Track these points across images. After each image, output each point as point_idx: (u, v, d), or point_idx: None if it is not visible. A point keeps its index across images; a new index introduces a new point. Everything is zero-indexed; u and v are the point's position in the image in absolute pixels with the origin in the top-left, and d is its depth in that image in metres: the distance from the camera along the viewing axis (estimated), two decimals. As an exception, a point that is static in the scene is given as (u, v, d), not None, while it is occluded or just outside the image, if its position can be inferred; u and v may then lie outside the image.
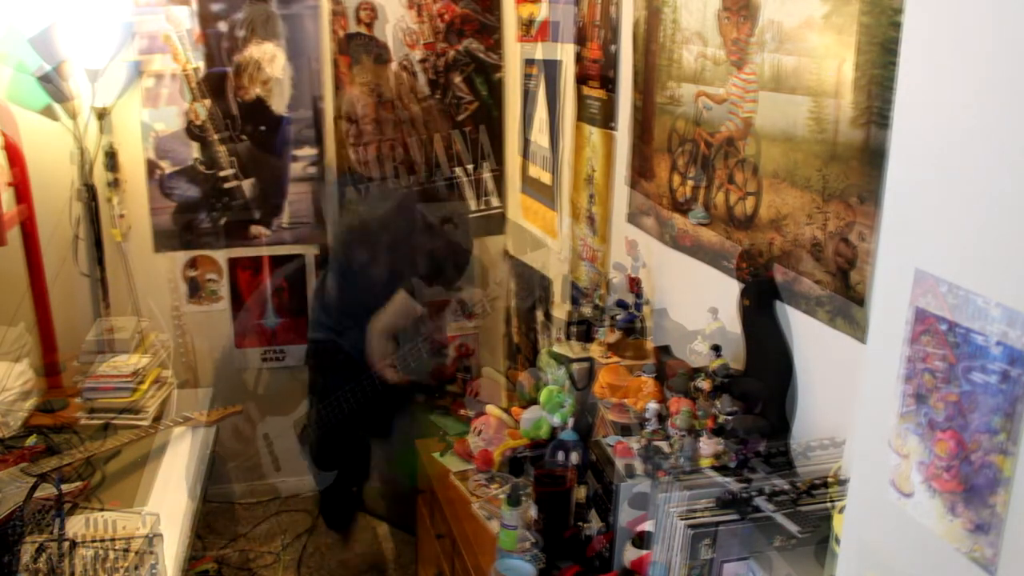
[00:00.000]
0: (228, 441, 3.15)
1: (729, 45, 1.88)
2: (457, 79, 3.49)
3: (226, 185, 3.34)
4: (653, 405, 1.85)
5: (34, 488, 1.83)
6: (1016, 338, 0.81)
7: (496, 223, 3.64)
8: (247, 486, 3.62)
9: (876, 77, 1.43)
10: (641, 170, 2.38)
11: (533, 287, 3.32)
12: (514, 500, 1.87)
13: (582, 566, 1.80)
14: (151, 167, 3.26)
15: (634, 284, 2.30)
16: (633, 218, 2.46)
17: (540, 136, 3.15)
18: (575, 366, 2.23)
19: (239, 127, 3.31)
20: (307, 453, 3.10)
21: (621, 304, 2.29)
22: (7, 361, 2.63)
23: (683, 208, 2.14)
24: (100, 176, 3.15)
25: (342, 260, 3.09)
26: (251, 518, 3.51)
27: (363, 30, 3.36)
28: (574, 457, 1.99)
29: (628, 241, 2.40)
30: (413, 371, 2.86)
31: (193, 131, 3.26)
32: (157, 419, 2.62)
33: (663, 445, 1.74)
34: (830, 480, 1.47)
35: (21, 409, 2.61)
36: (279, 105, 3.32)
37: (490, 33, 3.48)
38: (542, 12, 3.08)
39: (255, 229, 3.42)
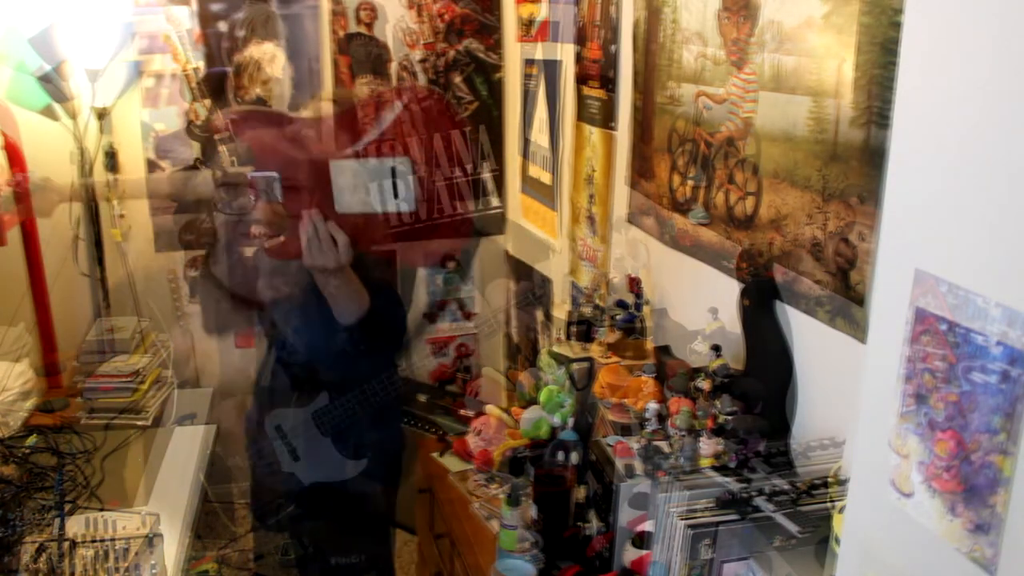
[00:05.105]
0: (229, 439, 3.15)
1: (729, 45, 1.88)
2: (457, 79, 3.49)
3: (226, 185, 3.35)
4: (653, 405, 1.85)
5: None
6: (1016, 338, 0.81)
7: (496, 223, 3.64)
8: (247, 486, 3.62)
9: (876, 77, 1.43)
10: (641, 170, 2.38)
11: (532, 287, 3.32)
12: (514, 500, 1.87)
13: (582, 566, 1.80)
14: (151, 167, 3.26)
15: (634, 284, 2.30)
16: (633, 218, 2.46)
17: (540, 136, 3.15)
18: (575, 366, 2.23)
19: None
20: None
21: (621, 304, 2.29)
22: (7, 361, 2.64)
23: (683, 208, 2.14)
24: (100, 176, 3.15)
25: None
26: (251, 518, 3.50)
27: (363, 30, 3.36)
28: (574, 457, 1.98)
29: (628, 241, 2.40)
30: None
31: (193, 131, 3.26)
32: (158, 420, 2.63)
33: (663, 445, 1.74)
34: (830, 480, 1.47)
35: (21, 409, 2.61)
36: (279, 105, 3.32)
37: (490, 33, 3.48)
38: (542, 12, 3.08)
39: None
